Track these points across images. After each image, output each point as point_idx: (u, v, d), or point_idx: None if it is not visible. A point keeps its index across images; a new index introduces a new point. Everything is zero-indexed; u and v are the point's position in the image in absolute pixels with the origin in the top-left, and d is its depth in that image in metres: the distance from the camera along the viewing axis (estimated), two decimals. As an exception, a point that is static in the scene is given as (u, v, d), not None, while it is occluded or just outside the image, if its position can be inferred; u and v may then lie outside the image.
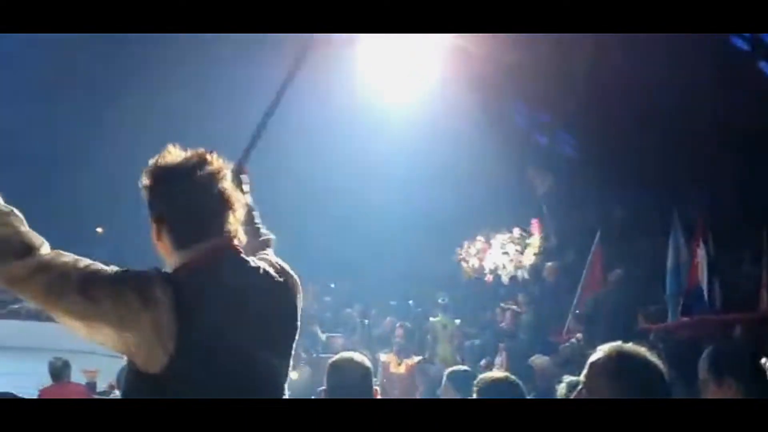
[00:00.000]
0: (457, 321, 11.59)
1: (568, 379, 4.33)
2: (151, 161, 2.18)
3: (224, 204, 2.16)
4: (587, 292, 10.41)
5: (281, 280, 2.24)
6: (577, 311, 10.34)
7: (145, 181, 2.18)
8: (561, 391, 5.07)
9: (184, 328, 1.95)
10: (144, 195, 2.20)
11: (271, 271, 2.24)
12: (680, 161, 10.72)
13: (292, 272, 2.31)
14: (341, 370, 3.51)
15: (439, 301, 11.68)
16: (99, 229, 21.67)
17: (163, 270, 2.12)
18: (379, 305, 13.74)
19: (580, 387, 2.43)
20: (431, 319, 11.55)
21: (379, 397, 3.54)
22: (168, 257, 2.18)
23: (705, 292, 8.71)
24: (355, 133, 12.15)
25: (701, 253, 8.80)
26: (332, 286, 15.47)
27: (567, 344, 9.42)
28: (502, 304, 11.65)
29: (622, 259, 12.55)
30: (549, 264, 12.90)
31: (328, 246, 15.48)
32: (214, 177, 2.15)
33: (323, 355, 9.81)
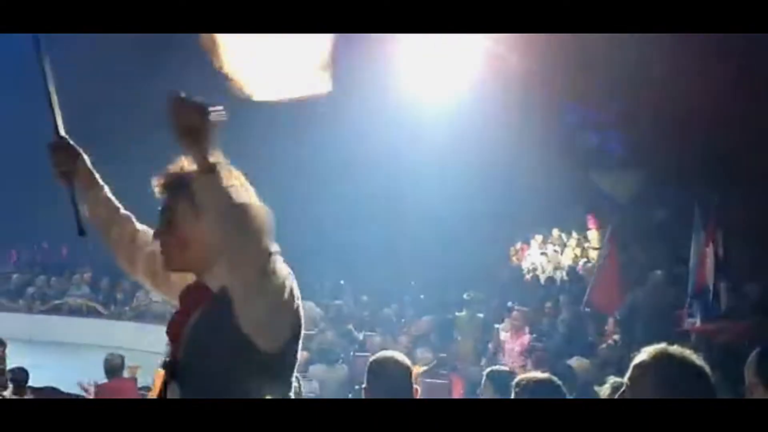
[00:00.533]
0: (480, 315, 11.61)
1: (612, 380, 4.26)
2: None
3: None
4: (599, 292, 10.18)
5: None
6: (587, 309, 10.29)
7: None
8: (604, 392, 5.00)
9: None
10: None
11: None
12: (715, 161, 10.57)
13: None
14: (382, 368, 3.49)
15: (465, 296, 11.69)
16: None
17: None
18: (417, 306, 13.70)
19: (623, 389, 2.39)
20: (456, 314, 11.64)
21: (418, 396, 3.52)
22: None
23: (710, 294, 8.58)
24: (394, 132, 12.12)
25: (710, 253, 8.66)
26: (342, 282, 15.40)
27: (604, 345, 9.30)
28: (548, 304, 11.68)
29: (664, 259, 12.41)
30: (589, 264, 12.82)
31: (366, 246, 15.48)
32: None
33: (360, 354, 9.82)
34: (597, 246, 14.92)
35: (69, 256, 18.87)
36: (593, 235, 15.50)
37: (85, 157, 2.58)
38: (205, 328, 2.15)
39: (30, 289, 18.09)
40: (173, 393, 2.14)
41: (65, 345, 14.45)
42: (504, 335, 10.20)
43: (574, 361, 7.60)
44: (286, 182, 14.73)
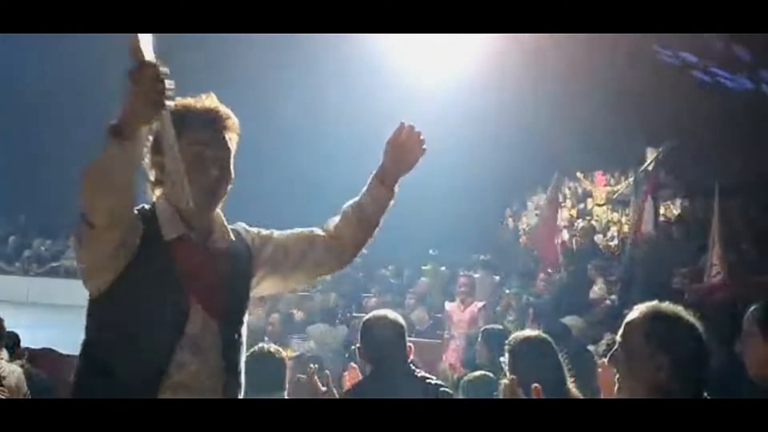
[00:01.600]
0: (443, 268, 11.66)
1: (608, 337, 4.30)
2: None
3: None
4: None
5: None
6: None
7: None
8: (600, 350, 5.06)
9: None
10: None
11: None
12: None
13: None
14: (375, 328, 3.53)
15: (430, 252, 11.75)
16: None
17: None
18: (413, 266, 13.75)
19: (616, 347, 2.41)
20: (422, 267, 11.74)
21: (411, 354, 3.55)
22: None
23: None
24: (393, 94, 11.99)
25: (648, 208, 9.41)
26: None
27: (601, 305, 9.36)
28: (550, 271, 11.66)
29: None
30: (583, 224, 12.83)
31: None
32: None
33: (357, 315, 9.89)
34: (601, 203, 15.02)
35: (65, 218, 18.87)
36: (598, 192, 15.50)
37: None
38: None
39: (26, 252, 18.13)
40: None
41: (61, 307, 14.48)
42: (450, 305, 9.54)
43: (569, 320, 7.63)
44: (285, 141, 14.74)
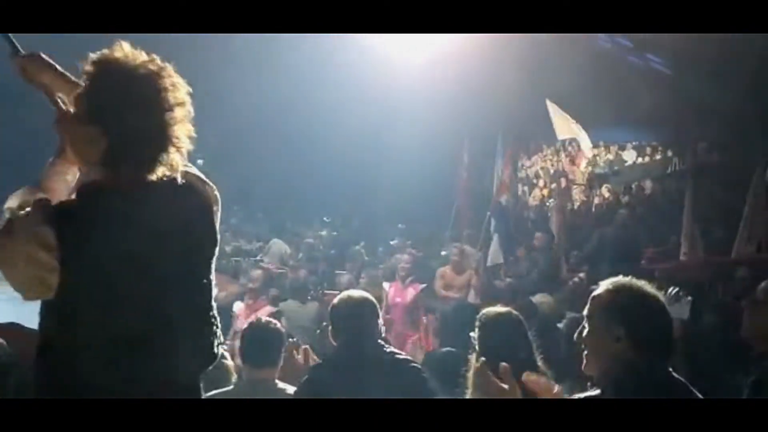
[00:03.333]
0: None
1: (570, 315, 4.36)
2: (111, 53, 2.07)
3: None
4: None
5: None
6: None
7: (92, 69, 2.08)
8: (563, 329, 5.10)
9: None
10: (83, 82, 2.10)
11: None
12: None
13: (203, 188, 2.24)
14: (342, 307, 3.52)
15: (324, 219, 11.59)
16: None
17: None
18: (386, 243, 13.73)
19: (583, 324, 2.45)
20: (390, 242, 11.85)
21: (383, 330, 3.55)
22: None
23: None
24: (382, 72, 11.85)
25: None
26: (326, 219, 15.48)
27: (570, 283, 9.39)
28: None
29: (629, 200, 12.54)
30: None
31: (336, 183, 15.44)
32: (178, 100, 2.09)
33: (329, 292, 9.87)
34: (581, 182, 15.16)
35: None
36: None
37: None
38: None
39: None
40: None
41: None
42: (387, 286, 9.30)
43: (538, 297, 7.64)
44: (271, 122, 14.64)
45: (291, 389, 3.56)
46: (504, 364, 2.16)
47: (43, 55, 2.32)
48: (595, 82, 10.60)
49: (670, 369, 2.30)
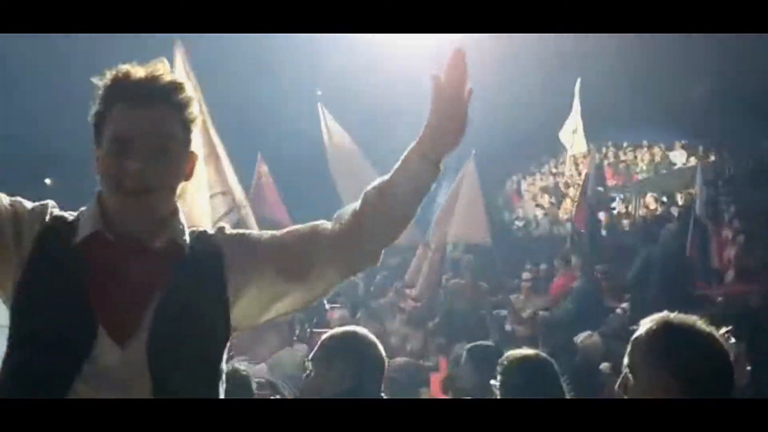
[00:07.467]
0: None
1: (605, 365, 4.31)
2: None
3: None
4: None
5: None
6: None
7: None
8: (606, 370, 5.08)
9: None
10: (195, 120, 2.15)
11: None
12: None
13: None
14: (356, 346, 3.37)
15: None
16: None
17: None
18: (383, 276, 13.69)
19: (624, 372, 2.40)
20: None
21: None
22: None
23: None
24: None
25: None
26: None
27: (612, 314, 9.24)
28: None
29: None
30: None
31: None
32: None
33: (317, 330, 9.80)
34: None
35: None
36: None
37: None
38: None
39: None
40: None
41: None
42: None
43: (582, 338, 7.40)
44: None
45: None
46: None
47: None
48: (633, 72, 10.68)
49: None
